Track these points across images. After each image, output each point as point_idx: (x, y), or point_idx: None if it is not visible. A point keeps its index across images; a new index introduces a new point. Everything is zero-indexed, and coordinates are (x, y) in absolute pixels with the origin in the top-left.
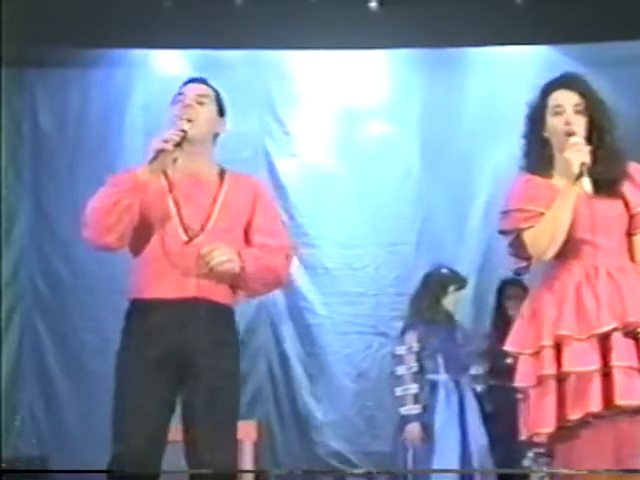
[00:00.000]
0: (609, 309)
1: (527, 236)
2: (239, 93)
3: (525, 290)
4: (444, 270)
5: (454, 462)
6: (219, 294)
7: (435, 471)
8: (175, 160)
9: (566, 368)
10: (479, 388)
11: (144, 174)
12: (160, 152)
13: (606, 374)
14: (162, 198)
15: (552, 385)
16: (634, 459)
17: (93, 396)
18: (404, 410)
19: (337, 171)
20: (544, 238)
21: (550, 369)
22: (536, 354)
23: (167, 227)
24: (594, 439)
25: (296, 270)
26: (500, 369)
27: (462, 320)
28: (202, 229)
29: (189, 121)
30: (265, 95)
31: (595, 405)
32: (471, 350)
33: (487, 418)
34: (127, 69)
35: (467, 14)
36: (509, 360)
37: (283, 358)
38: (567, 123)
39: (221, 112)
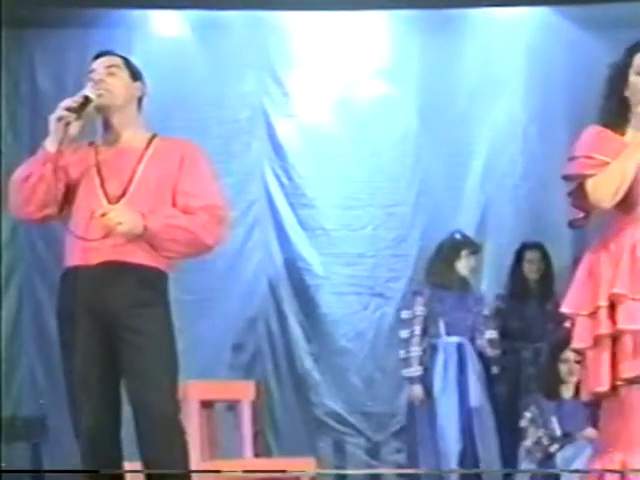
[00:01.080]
0: None
1: (590, 184)
2: (238, 54)
3: (544, 254)
4: (457, 235)
5: (453, 422)
6: (139, 256)
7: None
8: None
9: (621, 326)
10: (492, 351)
11: (50, 145)
12: (59, 120)
13: None
14: (87, 170)
15: (607, 344)
16: None
17: None
18: (406, 372)
19: (336, 132)
20: (606, 186)
21: (606, 328)
22: (593, 314)
23: (89, 196)
24: None
25: (294, 231)
26: (507, 330)
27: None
28: (123, 194)
29: (106, 91)
30: (264, 56)
31: None
32: (485, 314)
33: (491, 380)
34: (126, 30)
35: None
36: (518, 322)
37: (281, 318)
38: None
39: (134, 77)
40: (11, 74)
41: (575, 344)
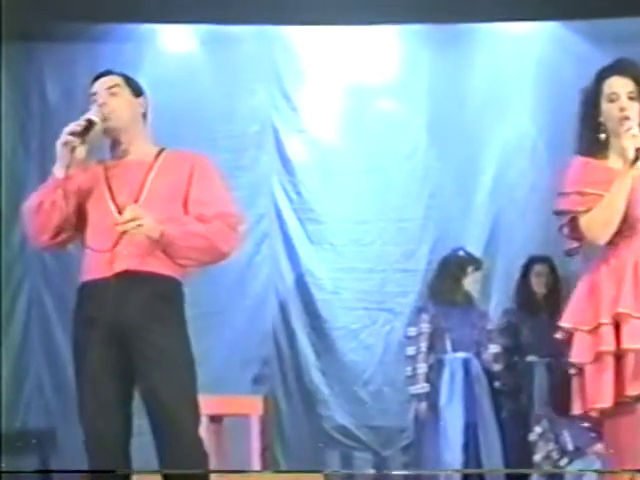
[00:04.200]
0: None
1: (583, 220)
2: (247, 68)
3: (552, 268)
4: (461, 252)
5: (458, 437)
6: (154, 265)
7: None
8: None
9: (625, 345)
10: (497, 366)
11: (58, 170)
12: (65, 145)
13: None
14: (97, 186)
15: (610, 361)
16: None
17: None
18: (413, 389)
19: (344, 147)
20: (600, 224)
21: (609, 346)
22: (594, 330)
23: (101, 212)
24: None
25: (303, 246)
26: (517, 345)
27: (480, 299)
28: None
29: (110, 113)
30: (273, 70)
31: None
32: (489, 329)
33: (498, 394)
34: (135, 44)
35: None
36: (529, 336)
37: (290, 333)
38: (622, 109)
39: (136, 93)
40: (21, 88)
41: (574, 358)
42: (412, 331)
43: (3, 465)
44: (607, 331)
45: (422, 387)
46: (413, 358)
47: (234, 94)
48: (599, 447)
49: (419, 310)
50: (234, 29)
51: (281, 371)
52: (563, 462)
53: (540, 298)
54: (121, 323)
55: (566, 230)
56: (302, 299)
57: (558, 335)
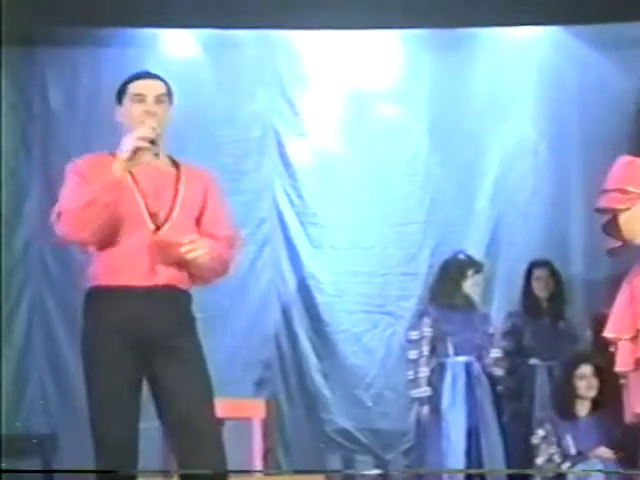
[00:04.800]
0: None
1: (622, 218)
2: (249, 72)
3: (552, 272)
4: (461, 256)
5: (460, 441)
6: (182, 281)
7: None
8: (156, 155)
9: None
10: (498, 370)
11: (119, 170)
12: (137, 150)
13: None
14: (129, 190)
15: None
16: None
17: None
18: (415, 393)
19: (346, 151)
20: (638, 222)
21: None
22: (634, 338)
23: (135, 218)
24: None
25: (305, 250)
26: (520, 348)
27: (480, 302)
28: (167, 219)
29: (158, 122)
30: (275, 75)
31: None
32: (491, 333)
33: (500, 398)
34: (138, 49)
35: None
36: (532, 340)
37: (292, 336)
38: None
39: (171, 102)
40: (23, 92)
41: (618, 367)
42: (414, 335)
43: (3, 465)
44: None
45: (424, 391)
46: (415, 362)
47: (236, 98)
48: (602, 451)
49: (421, 314)
50: (236, 34)
51: (283, 374)
52: (565, 466)
53: (542, 302)
54: (148, 331)
55: (607, 229)
56: (304, 303)
57: (611, 349)
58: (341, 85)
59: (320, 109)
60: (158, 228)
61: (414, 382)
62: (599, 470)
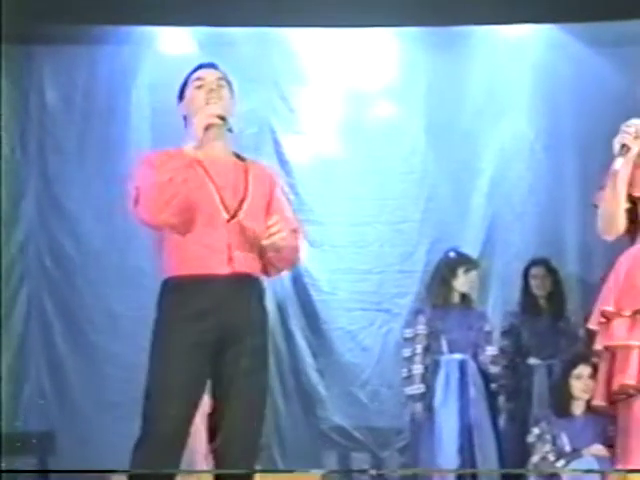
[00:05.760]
0: None
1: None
2: (245, 70)
3: (549, 270)
4: (452, 254)
5: (453, 439)
6: (258, 270)
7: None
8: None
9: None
10: (494, 368)
11: (191, 152)
12: (209, 126)
13: None
14: (201, 178)
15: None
16: None
17: (100, 372)
18: (409, 390)
19: (343, 149)
20: (602, 218)
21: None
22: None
23: (209, 206)
24: None
25: (302, 247)
26: (519, 347)
27: (476, 300)
28: (239, 209)
29: (220, 100)
30: (271, 73)
31: None
32: (487, 330)
33: (495, 396)
34: (134, 47)
35: None
36: (531, 339)
37: (288, 333)
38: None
39: (232, 93)
40: (20, 90)
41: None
42: (408, 333)
43: (3, 465)
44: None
45: (418, 388)
46: (409, 359)
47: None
48: (597, 448)
49: (416, 312)
50: (232, 31)
51: (279, 371)
52: (560, 464)
53: (540, 300)
54: (227, 323)
55: None
56: (300, 300)
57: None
58: (337, 83)
59: (316, 107)
60: (232, 217)
61: (408, 379)
62: (588, 470)
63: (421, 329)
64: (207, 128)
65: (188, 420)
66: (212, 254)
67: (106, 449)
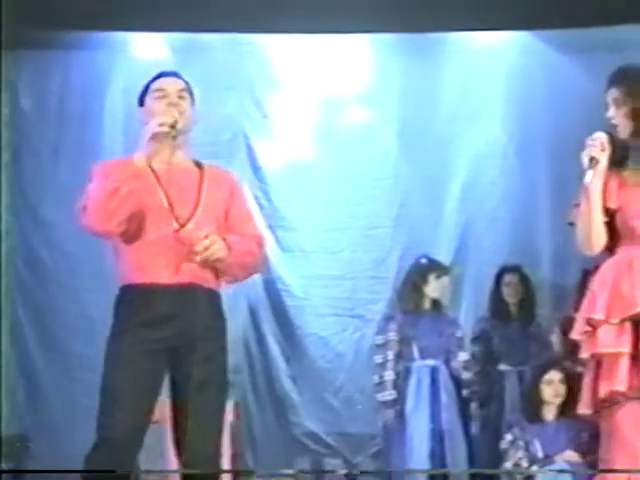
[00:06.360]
0: None
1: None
2: (219, 76)
3: (522, 276)
4: (423, 260)
5: (424, 444)
6: (209, 280)
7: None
8: (173, 147)
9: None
10: (466, 373)
11: (140, 161)
12: (156, 135)
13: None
14: (151, 187)
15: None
16: None
17: (75, 377)
18: (381, 396)
19: (315, 155)
20: (580, 234)
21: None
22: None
23: (158, 215)
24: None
25: (274, 253)
26: (490, 353)
27: (448, 306)
28: (190, 218)
29: (179, 114)
30: (244, 78)
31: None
32: (459, 336)
33: (467, 402)
34: (108, 52)
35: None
36: (501, 345)
37: (260, 339)
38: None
39: (193, 103)
40: None
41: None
42: (380, 339)
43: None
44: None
45: (389, 394)
46: (381, 366)
47: (206, 102)
48: (569, 454)
49: (387, 318)
50: (205, 37)
51: (252, 377)
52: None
53: (512, 307)
54: (179, 329)
55: None
56: (272, 306)
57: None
58: (311, 89)
59: (290, 113)
60: (182, 226)
61: (380, 386)
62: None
63: (392, 335)
64: (155, 137)
65: (141, 427)
66: (160, 264)
67: (79, 452)
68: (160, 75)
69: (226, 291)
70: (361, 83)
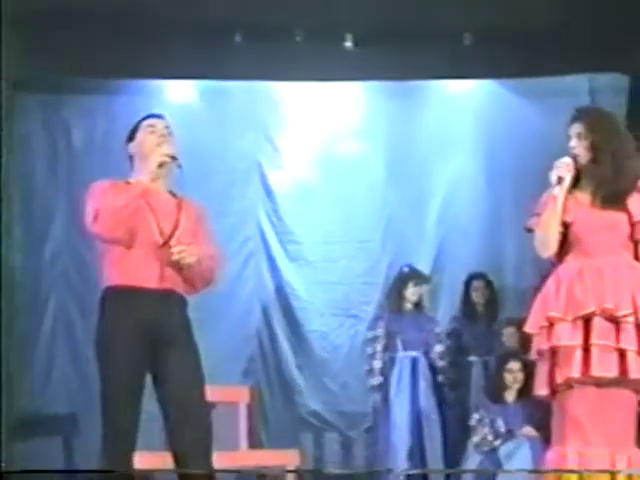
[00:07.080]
0: (592, 296)
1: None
2: (237, 116)
3: (487, 282)
4: (405, 269)
5: (404, 423)
6: (181, 287)
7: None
8: (163, 176)
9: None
10: (441, 363)
11: (145, 184)
12: (162, 164)
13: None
14: (144, 207)
15: (546, 355)
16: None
17: None
18: (371, 381)
19: (317, 181)
20: (539, 239)
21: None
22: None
23: (149, 230)
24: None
25: (283, 263)
26: (460, 346)
27: (427, 307)
28: (171, 236)
29: (169, 143)
30: (259, 118)
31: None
32: (437, 332)
33: (442, 387)
34: (145, 97)
35: (424, 54)
36: (470, 339)
37: (272, 335)
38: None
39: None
40: (49, 134)
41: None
42: (370, 334)
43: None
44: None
45: (377, 380)
46: (371, 356)
47: (227, 137)
48: (527, 429)
49: (376, 317)
50: (228, 84)
51: (264, 366)
52: (497, 443)
53: (479, 308)
54: (160, 327)
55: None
56: (282, 307)
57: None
58: (314, 127)
59: (296, 146)
60: (165, 242)
61: (370, 372)
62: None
63: (380, 331)
64: (160, 165)
65: (134, 418)
66: (147, 270)
67: None
68: (149, 116)
69: (242, 295)
70: (356, 121)
